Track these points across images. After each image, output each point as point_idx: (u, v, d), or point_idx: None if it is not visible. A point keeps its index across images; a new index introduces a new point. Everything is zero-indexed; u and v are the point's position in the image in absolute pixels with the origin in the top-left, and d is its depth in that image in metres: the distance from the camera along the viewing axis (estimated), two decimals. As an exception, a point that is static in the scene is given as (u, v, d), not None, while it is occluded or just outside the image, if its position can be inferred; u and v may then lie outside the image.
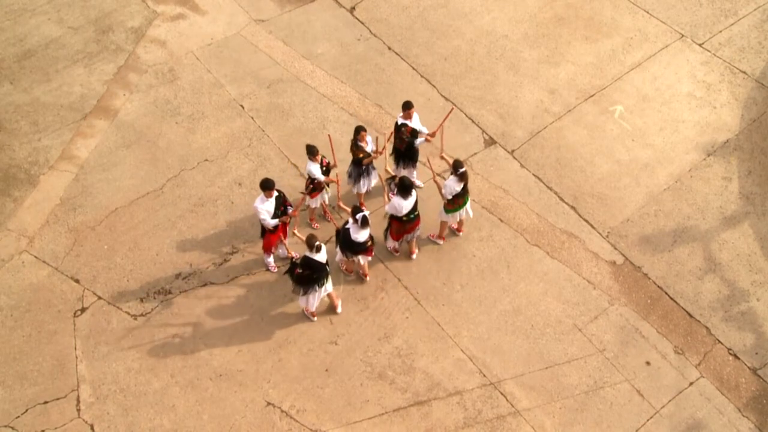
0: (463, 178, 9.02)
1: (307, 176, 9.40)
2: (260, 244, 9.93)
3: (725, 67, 12.05)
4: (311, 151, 9.11)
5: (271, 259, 9.71)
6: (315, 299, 8.83)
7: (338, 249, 9.13)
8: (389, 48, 12.53)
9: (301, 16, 13.07)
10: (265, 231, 9.21)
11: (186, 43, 12.62)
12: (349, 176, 9.88)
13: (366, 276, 9.64)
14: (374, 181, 9.99)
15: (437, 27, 12.82)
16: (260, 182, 8.74)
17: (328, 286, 8.88)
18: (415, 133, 9.59)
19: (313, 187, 9.39)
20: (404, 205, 8.90)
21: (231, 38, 12.70)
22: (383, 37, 12.69)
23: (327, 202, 9.77)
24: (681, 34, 12.56)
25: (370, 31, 12.79)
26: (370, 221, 8.72)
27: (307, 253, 8.36)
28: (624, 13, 12.93)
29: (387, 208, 9.05)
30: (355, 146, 9.45)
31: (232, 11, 13.15)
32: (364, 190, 9.98)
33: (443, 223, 9.79)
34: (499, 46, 12.49)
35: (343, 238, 8.89)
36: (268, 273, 9.79)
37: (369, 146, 9.52)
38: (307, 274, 8.52)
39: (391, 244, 9.65)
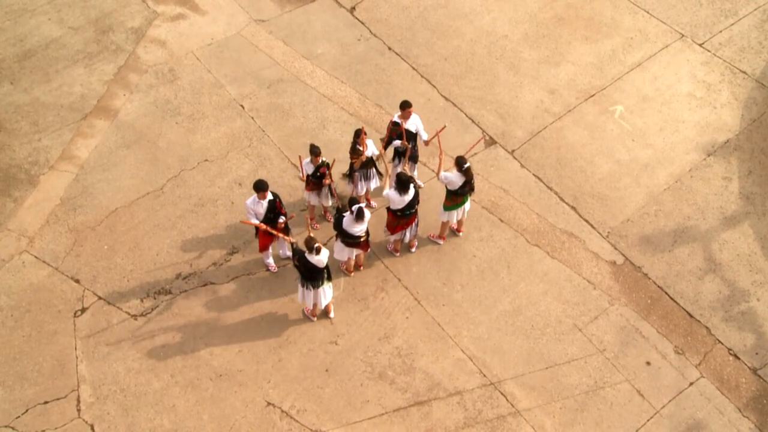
0: (467, 174, 9.02)
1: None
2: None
3: (725, 67, 12.05)
4: (313, 152, 9.11)
5: (270, 260, 9.71)
6: (310, 298, 8.82)
7: (336, 239, 9.12)
8: (389, 48, 12.53)
9: (301, 16, 13.07)
10: (258, 232, 9.20)
11: (186, 43, 12.62)
12: (349, 180, 9.87)
13: (360, 267, 9.69)
14: (374, 184, 9.99)
15: (437, 27, 12.82)
16: (254, 184, 8.73)
17: (326, 289, 8.83)
18: (401, 136, 9.54)
19: (307, 182, 9.42)
20: (398, 200, 8.91)
21: (231, 38, 12.70)
22: (383, 37, 12.69)
23: (330, 203, 9.78)
24: (681, 34, 12.56)
25: (371, 32, 12.79)
26: (366, 215, 8.71)
27: (306, 254, 8.37)
28: (624, 13, 12.93)
29: (383, 193, 9.06)
30: (353, 150, 9.43)
31: (232, 11, 13.15)
32: (362, 192, 9.98)
33: (444, 223, 9.79)
34: (499, 47, 12.49)
35: (337, 223, 8.90)
36: (268, 273, 9.79)
37: (369, 149, 9.51)
38: (302, 270, 8.54)
39: (391, 237, 9.62)
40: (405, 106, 9.43)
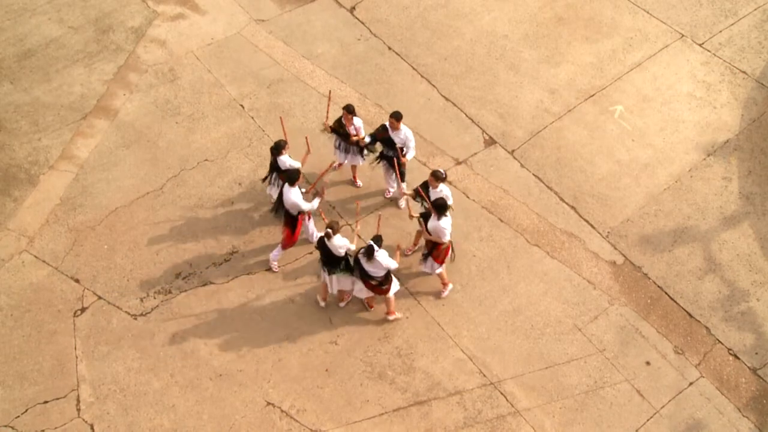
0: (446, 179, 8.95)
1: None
2: (259, 243, 10.00)
3: (725, 67, 12.04)
4: (279, 146, 9.26)
5: (277, 262, 9.67)
6: (329, 283, 8.87)
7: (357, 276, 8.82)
8: (389, 48, 12.53)
9: (301, 16, 13.07)
10: (296, 225, 9.23)
11: (186, 43, 12.62)
12: (336, 147, 10.04)
13: (371, 307, 9.37)
14: (360, 161, 10.05)
15: (437, 27, 12.81)
16: (287, 174, 8.87)
17: (340, 278, 8.81)
18: (383, 141, 9.47)
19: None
20: (450, 223, 8.63)
21: (231, 38, 12.70)
22: (383, 37, 12.69)
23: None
24: (681, 34, 12.56)
25: (370, 31, 12.79)
26: (377, 255, 8.24)
27: (324, 236, 8.47)
28: (624, 13, 12.93)
29: (446, 239, 8.61)
30: (338, 121, 9.71)
31: (232, 11, 13.15)
32: (344, 161, 10.11)
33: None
34: (499, 46, 12.49)
35: (356, 264, 8.60)
36: (269, 273, 9.78)
37: (352, 129, 9.66)
38: (321, 253, 8.63)
39: (433, 269, 9.13)
40: (393, 117, 9.29)
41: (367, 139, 9.62)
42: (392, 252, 8.71)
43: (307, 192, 9.21)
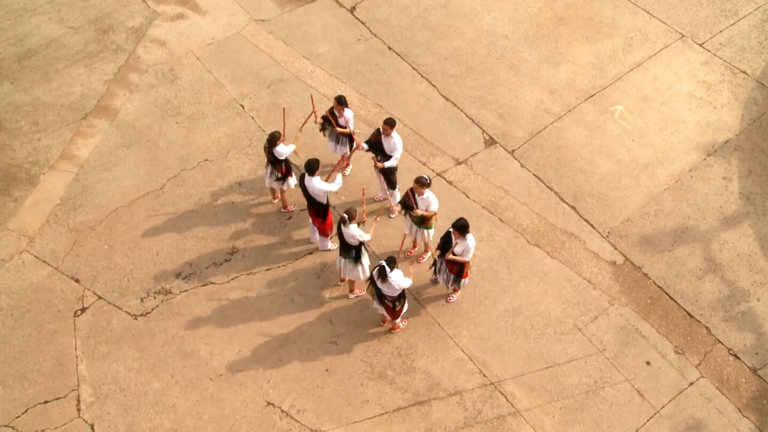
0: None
1: (281, 166, 9.63)
2: (259, 243, 9.99)
3: (725, 67, 12.04)
4: (274, 137, 9.35)
5: (324, 240, 9.75)
6: (341, 266, 9.00)
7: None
8: (389, 48, 12.53)
9: (301, 16, 13.07)
10: (325, 213, 9.28)
11: (186, 43, 12.62)
12: (327, 137, 10.18)
13: (384, 323, 9.28)
14: (347, 151, 10.04)
15: (437, 27, 12.81)
16: (306, 164, 8.87)
17: (349, 265, 8.86)
18: (372, 144, 9.45)
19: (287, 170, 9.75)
20: (474, 241, 8.59)
21: (231, 38, 12.70)
22: (383, 37, 12.69)
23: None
24: (681, 34, 12.56)
25: (371, 31, 12.79)
26: (391, 276, 8.14)
27: (340, 221, 8.56)
28: (624, 13, 12.93)
29: (468, 258, 8.56)
30: (330, 110, 9.77)
31: (232, 11, 13.15)
32: (333, 150, 10.16)
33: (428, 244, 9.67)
34: (500, 46, 12.49)
35: (372, 284, 8.57)
36: (269, 273, 9.79)
37: (342, 120, 9.69)
38: (339, 236, 8.72)
39: (463, 284, 9.15)
40: (386, 123, 9.25)
41: (365, 146, 9.53)
42: (405, 268, 8.80)
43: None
